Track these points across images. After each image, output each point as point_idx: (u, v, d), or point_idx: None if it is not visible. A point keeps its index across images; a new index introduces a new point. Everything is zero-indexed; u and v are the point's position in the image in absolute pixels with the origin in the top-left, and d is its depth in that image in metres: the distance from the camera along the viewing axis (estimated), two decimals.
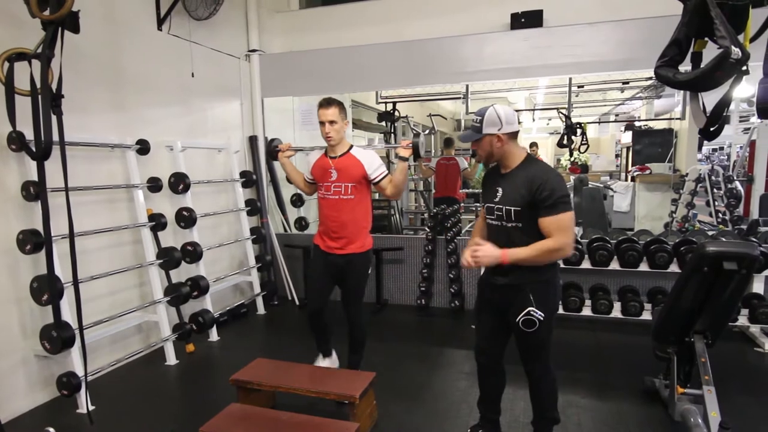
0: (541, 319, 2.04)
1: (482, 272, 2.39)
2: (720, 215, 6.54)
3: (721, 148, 12.70)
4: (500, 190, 2.10)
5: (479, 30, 4.45)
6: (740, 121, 8.67)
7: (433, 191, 6.70)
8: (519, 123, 2.07)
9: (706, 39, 1.64)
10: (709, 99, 1.87)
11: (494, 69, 4.43)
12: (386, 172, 2.87)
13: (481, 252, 2.05)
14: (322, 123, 2.77)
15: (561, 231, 1.98)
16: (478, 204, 7.77)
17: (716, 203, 6.58)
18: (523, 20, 4.21)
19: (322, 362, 3.14)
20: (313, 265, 3.00)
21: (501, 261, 2.03)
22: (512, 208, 2.04)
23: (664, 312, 2.55)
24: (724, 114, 1.57)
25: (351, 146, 2.88)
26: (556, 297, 2.16)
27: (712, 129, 1.60)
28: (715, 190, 6.60)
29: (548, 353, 2.23)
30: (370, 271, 3.02)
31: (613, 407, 2.87)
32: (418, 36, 4.63)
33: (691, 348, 2.50)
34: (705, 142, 9.44)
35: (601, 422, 2.71)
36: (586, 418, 2.75)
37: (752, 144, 7.21)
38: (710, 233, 4.83)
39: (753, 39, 1.53)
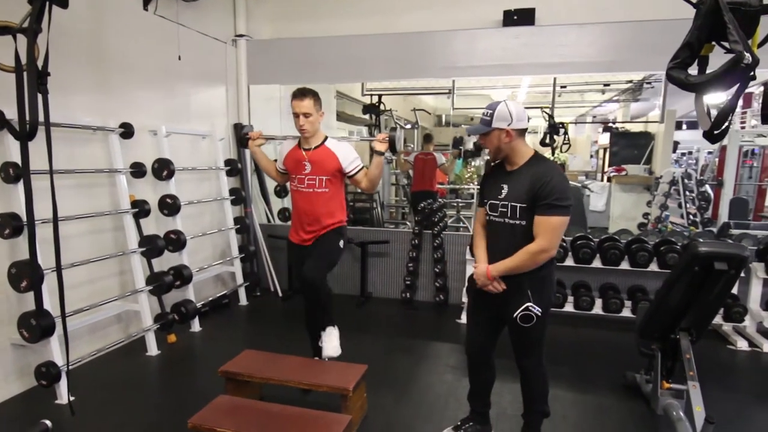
0: (539, 314, 2.07)
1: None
2: (691, 217, 6.77)
3: (690, 153, 13.11)
4: (506, 187, 2.11)
5: (471, 25, 4.45)
6: None
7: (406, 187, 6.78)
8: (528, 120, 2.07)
9: (713, 43, 1.68)
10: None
11: (485, 65, 4.44)
12: (362, 165, 2.80)
13: (475, 275, 2.20)
14: (296, 115, 2.66)
15: (547, 233, 2.00)
16: (459, 200, 7.82)
17: (688, 205, 6.80)
18: (515, 18, 4.23)
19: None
20: (293, 267, 2.88)
21: (487, 277, 2.12)
22: (517, 205, 2.05)
23: (651, 309, 2.62)
24: (729, 118, 1.61)
25: (326, 138, 2.79)
26: (552, 292, 2.19)
27: (716, 132, 1.64)
28: (687, 193, 6.82)
29: (542, 348, 2.26)
30: (342, 245, 2.85)
31: (595, 401, 2.94)
32: (410, 29, 4.61)
33: (675, 344, 2.57)
34: (678, 146, 9.75)
35: (584, 416, 2.78)
36: (570, 412, 2.80)
37: (723, 149, 7.47)
38: (686, 234, 4.98)
39: (760, 45, 1.57)
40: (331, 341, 2.85)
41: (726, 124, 1.63)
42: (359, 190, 8.23)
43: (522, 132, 2.08)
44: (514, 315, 2.09)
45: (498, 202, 2.12)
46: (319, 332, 2.93)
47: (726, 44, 1.56)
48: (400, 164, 6.83)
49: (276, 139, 3.07)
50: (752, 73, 1.49)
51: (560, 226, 2.00)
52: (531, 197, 2.01)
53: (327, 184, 2.73)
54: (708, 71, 1.68)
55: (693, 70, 1.73)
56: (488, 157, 7.98)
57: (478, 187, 7.75)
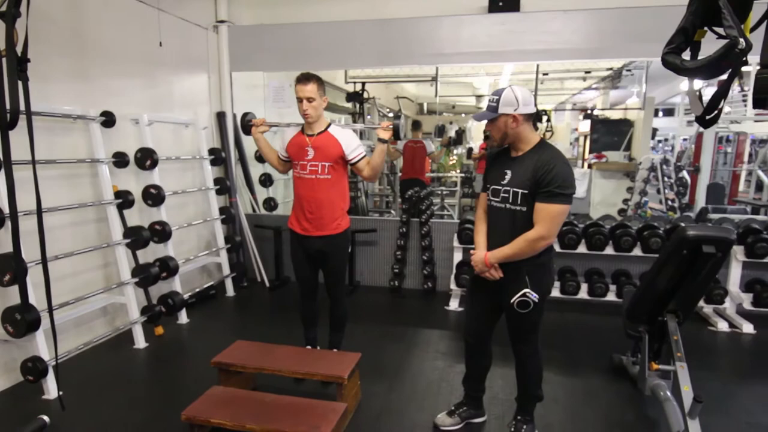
0: (536, 300, 2.09)
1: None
2: (669, 202, 6.93)
3: (666, 140, 13.34)
4: (509, 172, 2.11)
5: (457, 12, 4.42)
6: (685, 113, 9.15)
7: (399, 174, 6.72)
8: (536, 105, 2.07)
9: (706, 29, 1.70)
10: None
11: (470, 52, 4.42)
12: (364, 153, 2.79)
13: (473, 261, 2.22)
14: (299, 99, 2.64)
15: (547, 220, 2.00)
16: (443, 188, 7.85)
17: (666, 191, 6.95)
18: (500, 4, 4.22)
19: None
20: (294, 255, 2.91)
21: (485, 263, 2.13)
22: (519, 191, 2.05)
23: (638, 292, 2.67)
24: (721, 104, 1.63)
25: (329, 124, 2.78)
26: (550, 280, 2.21)
27: (708, 117, 1.67)
28: (665, 179, 6.96)
29: (538, 334, 2.29)
30: (349, 250, 2.94)
31: (584, 383, 3.00)
32: (395, 15, 4.55)
33: (663, 326, 2.63)
34: (656, 133, 9.91)
35: (574, 398, 2.84)
36: (560, 394, 2.86)
37: (699, 136, 7.64)
38: (667, 219, 5.08)
39: (752, 30, 1.59)
40: None
41: (718, 109, 1.65)
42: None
43: (528, 117, 2.07)
44: (512, 301, 2.11)
45: (500, 187, 2.13)
46: (314, 322, 3.02)
47: (719, 30, 1.57)
48: (389, 152, 6.77)
49: (279, 126, 3.03)
50: (745, 59, 1.51)
51: (560, 214, 2.01)
52: (533, 183, 2.01)
53: (329, 171, 2.72)
54: (700, 56, 1.70)
55: (686, 56, 1.75)
56: (470, 145, 8.01)
57: (462, 175, 7.78)
